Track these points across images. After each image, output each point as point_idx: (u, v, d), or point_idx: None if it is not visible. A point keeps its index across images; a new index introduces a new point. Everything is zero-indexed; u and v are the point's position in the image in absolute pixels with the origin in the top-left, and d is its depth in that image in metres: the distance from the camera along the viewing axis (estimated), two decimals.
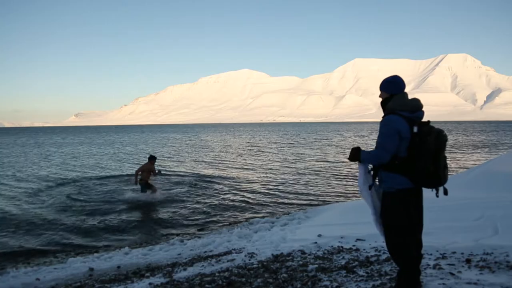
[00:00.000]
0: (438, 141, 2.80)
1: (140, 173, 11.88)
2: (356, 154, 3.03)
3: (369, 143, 39.01)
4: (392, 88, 3.08)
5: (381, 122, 2.98)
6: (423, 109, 3.02)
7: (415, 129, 2.84)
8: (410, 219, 2.93)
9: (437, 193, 2.95)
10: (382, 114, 3.09)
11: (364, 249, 4.86)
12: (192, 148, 36.66)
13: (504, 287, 3.09)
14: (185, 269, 5.09)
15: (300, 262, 4.55)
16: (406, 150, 2.87)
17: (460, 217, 5.81)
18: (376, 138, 3.00)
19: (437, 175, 2.81)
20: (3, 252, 7.27)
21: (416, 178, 2.85)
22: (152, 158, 12.12)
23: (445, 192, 2.92)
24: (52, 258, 6.97)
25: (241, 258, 5.33)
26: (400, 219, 2.92)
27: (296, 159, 24.47)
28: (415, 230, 2.99)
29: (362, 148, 3.04)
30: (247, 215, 9.87)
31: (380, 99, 3.13)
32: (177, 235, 8.15)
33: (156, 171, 12.24)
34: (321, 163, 21.88)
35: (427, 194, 3.08)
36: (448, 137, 3.27)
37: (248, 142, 45.63)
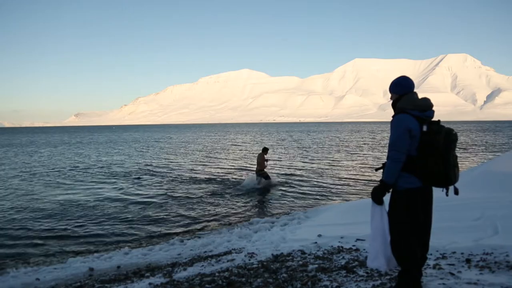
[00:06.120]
0: (448, 140, 2.79)
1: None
2: (378, 193, 2.96)
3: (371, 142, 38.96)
4: (400, 89, 3.09)
5: (392, 122, 2.98)
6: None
7: (425, 128, 2.85)
8: (414, 219, 2.91)
9: (447, 192, 2.94)
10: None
11: (364, 249, 4.85)
12: (189, 148, 36.68)
13: (504, 287, 3.09)
14: (185, 269, 5.08)
15: (300, 262, 4.55)
16: (416, 149, 2.87)
17: (460, 217, 5.80)
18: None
19: (446, 175, 2.80)
20: (3, 252, 7.27)
21: (426, 177, 2.84)
22: (265, 150, 13.65)
23: (456, 192, 2.90)
24: (52, 258, 6.97)
25: (241, 258, 5.33)
26: (404, 218, 2.91)
27: (295, 159, 24.46)
28: (420, 231, 2.97)
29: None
30: (247, 215, 9.87)
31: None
32: (177, 235, 8.15)
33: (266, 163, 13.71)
34: (321, 163, 21.88)
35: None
36: None
37: (247, 142, 45.63)
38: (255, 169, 13.99)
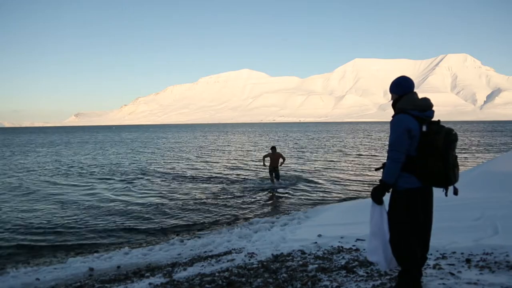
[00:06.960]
0: (447, 140, 2.79)
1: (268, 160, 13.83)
2: (378, 193, 2.97)
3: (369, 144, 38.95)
4: (400, 89, 3.10)
5: (391, 122, 2.98)
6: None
7: (424, 128, 2.85)
8: (413, 219, 2.91)
9: (446, 192, 2.93)
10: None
11: (364, 249, 4.85)
12: (188, 148, 36.68)
13: (504, 287, 3.09)
14: (185, 269, 5.08)
15: (300, 262, 4.55)
16: (416, 149, 2.87)
17: (460, 217, 5.80)
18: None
19: (446, 175, 2.80)
20: (3, 252, 7.27)
21: (425, 177, 2.84)
22: (273, 148, 14.05)
23: (455, 192, 2.90)
24: (52, 258, 6.96)
25: (241, 258, 5.33)
26: (404, 218, 2.91)
27: (295, 159, 24.46)
28: (420, 231, 2.97)
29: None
30: (247, 215, 9.87)
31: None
32: (177, 235, 8.15)
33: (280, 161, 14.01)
34: (321, 163, 21.88)
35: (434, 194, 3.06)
36: None
37: (245, 142, 45.63)
38: (265, 167, 14.03)
